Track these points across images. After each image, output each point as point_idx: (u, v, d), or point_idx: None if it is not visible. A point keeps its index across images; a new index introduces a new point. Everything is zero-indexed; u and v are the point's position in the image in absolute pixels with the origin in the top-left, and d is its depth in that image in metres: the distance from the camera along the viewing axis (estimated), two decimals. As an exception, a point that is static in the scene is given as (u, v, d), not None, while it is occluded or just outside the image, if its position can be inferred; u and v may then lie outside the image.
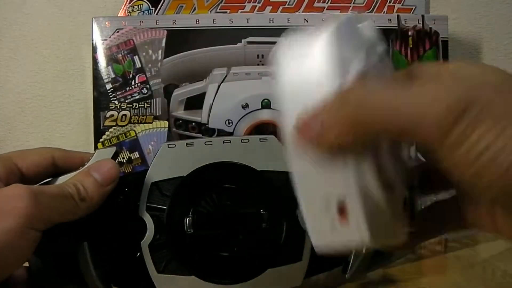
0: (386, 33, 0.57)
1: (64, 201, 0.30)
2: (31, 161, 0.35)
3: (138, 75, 0.57)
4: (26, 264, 0.35)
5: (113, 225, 0.34)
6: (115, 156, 0.36)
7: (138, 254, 0.34)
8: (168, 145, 0.35)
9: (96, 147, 0.56)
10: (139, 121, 0.56)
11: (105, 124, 0.56)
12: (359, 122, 0.21)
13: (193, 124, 0.56)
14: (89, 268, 0.34)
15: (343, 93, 0.21)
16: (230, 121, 0.55)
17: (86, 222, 0.33)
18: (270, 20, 0.57)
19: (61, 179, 0.35)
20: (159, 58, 0.57)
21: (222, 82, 0.56)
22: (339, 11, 0.60)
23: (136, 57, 0.57)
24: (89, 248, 0.34)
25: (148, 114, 0.56)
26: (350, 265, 0.35)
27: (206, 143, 0.35)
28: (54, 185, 0.31)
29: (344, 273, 0.36)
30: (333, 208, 0.21)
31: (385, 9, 0.60)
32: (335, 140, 0.21)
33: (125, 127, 0.56)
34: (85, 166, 0.35)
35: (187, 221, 0.33)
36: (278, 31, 0.57)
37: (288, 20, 0.57)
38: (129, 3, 0.60)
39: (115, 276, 0.36)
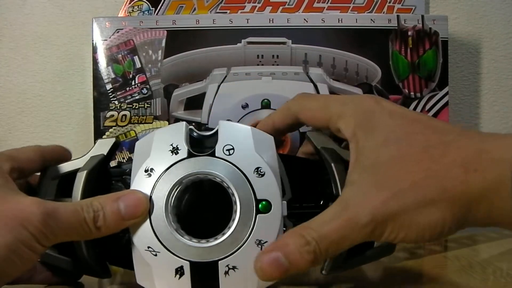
0: (386, 33, 0.57)
1: (76, 226, 0.31)
2: (28, 156, 0.36)
3: (138, 75, 0.57)
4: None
5: None
6: (115, 146, 0.37)
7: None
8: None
9: (96, 147, 0.56)
10: (139, 121, 0.56)
11: (105, 124, 0.56)
12: (320, 252, 0.30)
13: (193, 124, 0.56)
14: (82, 249, 0.34)
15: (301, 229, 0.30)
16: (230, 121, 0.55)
17: None
18: (270, 20, 0.57)
19: (64, 166, 0.37)
20: (159, 58, 0.57)
21: (222, 82, 0.56)
22: (339, 11, 0.60)
23: (136, 57, 0.57)
24: None
25: (148, 114, 0.56)
26: (326, 262, 0.35)
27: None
28: (71, 207, 0.31)
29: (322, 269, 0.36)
30: None
31: (385, 9, 0.60)
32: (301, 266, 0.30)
33: (125, 127, 0.56)
34: (87, 154, 0.36)
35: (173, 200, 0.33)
36: (278, 31, 0.57)
37: (288, 20, 0.57)
38: (129, 3, 0.60)
39: (109, 256, 0.36)
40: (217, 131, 0.34)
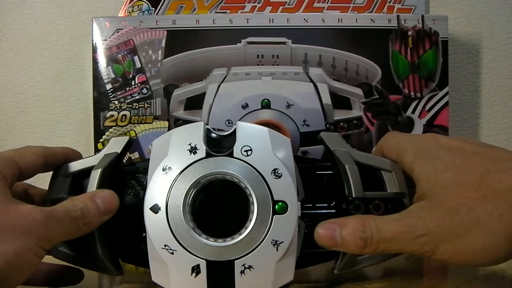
0: (386, 33, 0.57)
1: (69, 225, 0.33)
2: (30, 161, 0.36)
3: (138, 75, 0.57)
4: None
5: (121, 204, 0.35)
6: (128, 144, 0.38)
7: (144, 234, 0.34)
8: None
9: (96, 147, 0.56)
10: (139, 121, 0.56)
11: (105, 124, 0.56)
12: (371, 243, 0.32)
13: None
14: (96, 247, 0.35)
15: (361, 219, 0.33)
16: (230, 121, 0.55)
17: None
18: (270, 20, 0.57)
19: (78, 164, 0.37)
20: (159, 58, 0.57)
21: (222, 82, 0.56)
22: (339, 11, 0.60)
23: (136, 57, 0.57)
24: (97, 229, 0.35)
25: (148, 114, 0.56)
26: (339, 261, 0.36)
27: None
28: (63, 209, 0.33)
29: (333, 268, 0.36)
30: None
31: (385, 9, 0.60)
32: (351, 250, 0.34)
33: (125, 127, 0.56)
34: (100, 153, 0.37)
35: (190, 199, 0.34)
36: (278, 31, 0.57)
37: (288, 20, 0.57)
38: (129, 3, 0.60)
39: (122, 254, 0.37)
40: (233, 131, 0.35)
